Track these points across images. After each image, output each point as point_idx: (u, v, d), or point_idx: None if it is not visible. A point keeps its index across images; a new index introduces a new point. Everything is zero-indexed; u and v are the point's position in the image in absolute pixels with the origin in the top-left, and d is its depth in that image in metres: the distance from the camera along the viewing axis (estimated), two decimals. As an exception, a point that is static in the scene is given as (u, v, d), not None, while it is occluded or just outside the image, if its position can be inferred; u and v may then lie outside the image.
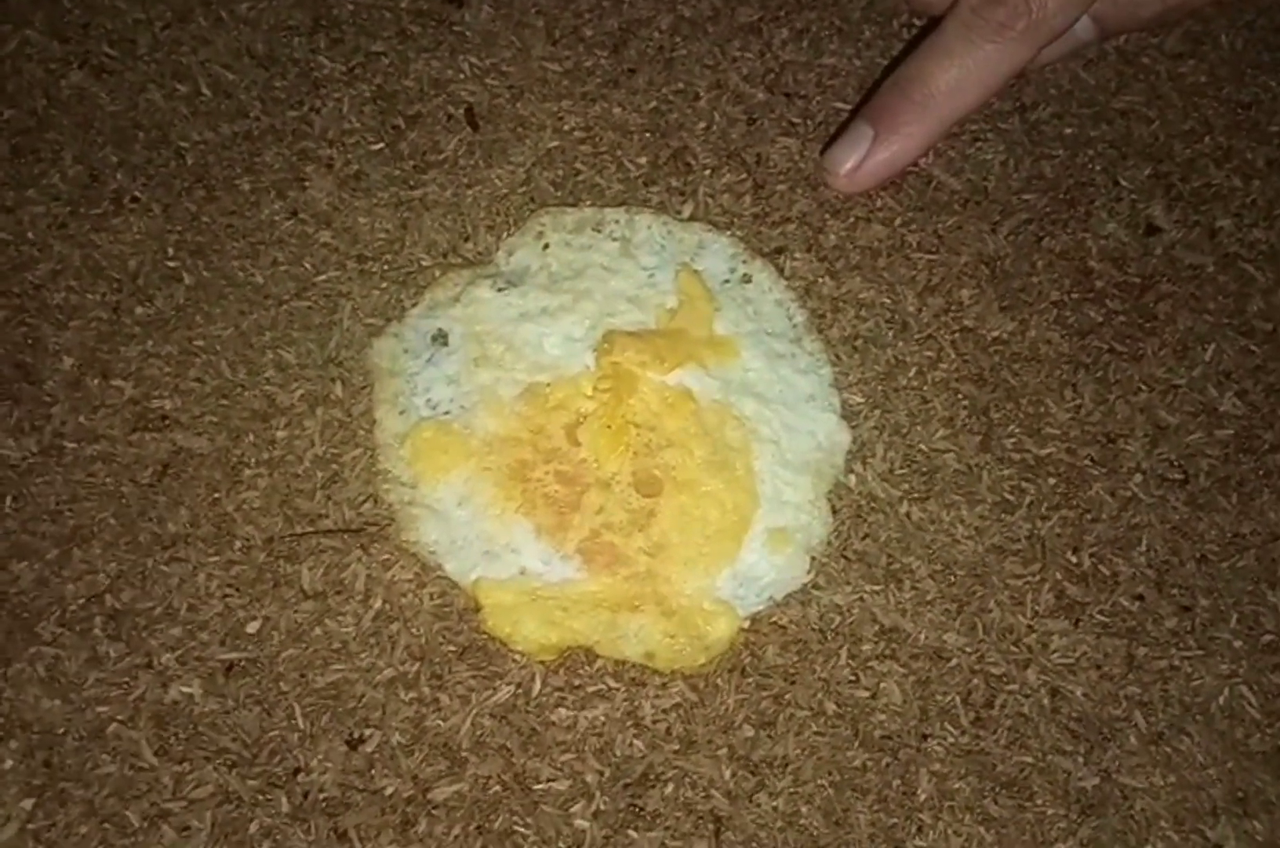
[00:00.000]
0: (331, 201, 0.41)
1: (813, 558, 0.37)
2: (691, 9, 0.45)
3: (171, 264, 0.40)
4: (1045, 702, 0.35)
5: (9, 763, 0.33)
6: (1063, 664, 0.36)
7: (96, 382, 0.38)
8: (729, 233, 0.41)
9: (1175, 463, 0.39)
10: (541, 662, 0.35)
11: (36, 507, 0.36)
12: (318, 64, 0.44)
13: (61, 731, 0.34)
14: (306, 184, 0.42)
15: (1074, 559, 0.37)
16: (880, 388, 0.39)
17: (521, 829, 0.33)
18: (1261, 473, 0.38)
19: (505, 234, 0.41)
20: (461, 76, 0.44)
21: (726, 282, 0.40)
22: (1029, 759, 0.35)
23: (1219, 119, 0.44)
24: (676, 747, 0.34)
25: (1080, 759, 0.35)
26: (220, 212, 0.41)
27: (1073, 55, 0.44)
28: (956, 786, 0.34)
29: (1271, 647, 0.36)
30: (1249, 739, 0.35)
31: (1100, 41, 0.44)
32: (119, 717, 0.34)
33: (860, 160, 0.40)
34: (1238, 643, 0.36)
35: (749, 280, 0.40)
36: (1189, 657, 0.36)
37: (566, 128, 0.43)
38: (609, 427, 0.37)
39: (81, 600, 0.35)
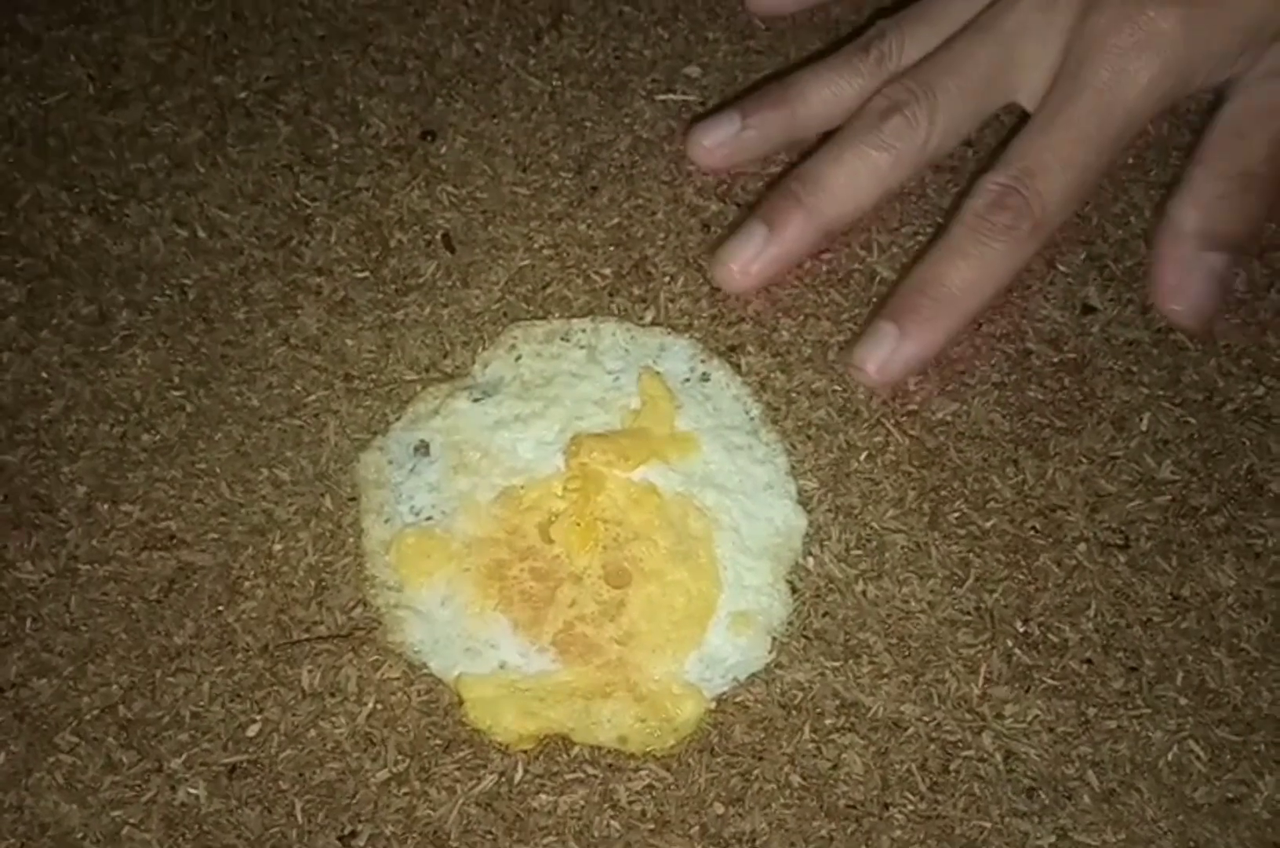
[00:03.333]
0: (321, 326, 0.45)
1: (774, 638, 0.39)
2: (649, 130, 0.49)
3: (175, 393, 0.43)
4: (1000, 765, 0.37)
5: (29, 867, 0.36)
6: (1016, 728, 0.38)
7: (107, 507, 0.41)
8: (688, 335, 0.44)
9: (1117, 530, 0.41)
10: (524, 750, 0.37)
11: (54, 625, 0.39)
12: (305, 201, 0.47)
13: (80, 835, 0.36)
14: (298, 311, 0.45)
15: (1022, 628, 0.39)
16: (833, 473, 0.42)
17: (510, 913, 0.35)
18: (1200, 535, 0.40)
19: (480, 348, 0.44)
20: (439, 205, 0.47)
21: (687, 380, 0.43)
22: (987, 823, 0.36)
23: (1146, 201, 0.47)
24: (651, 826, 0.36)
25: (1036, 820, 0.36)
26: (218, 342, 0.45)
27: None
28: (918, 851, 0.36)
29: (1216, 702, 0.38)
30: (1196, 793, 0.37)
31: (1241, 264, 0.44)
32: (132, 820, 0.36)
33: (889, 355, 0.42)
34: (1183, 700, 0.38)
35: (707, 378, 0.43)
36: (1137, 716, 0.38)
37: (536, 246, 0.46)
38: (579, 524, 0.40)
39: (96, 711, 0.38)
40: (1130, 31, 0.42)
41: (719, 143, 0.46)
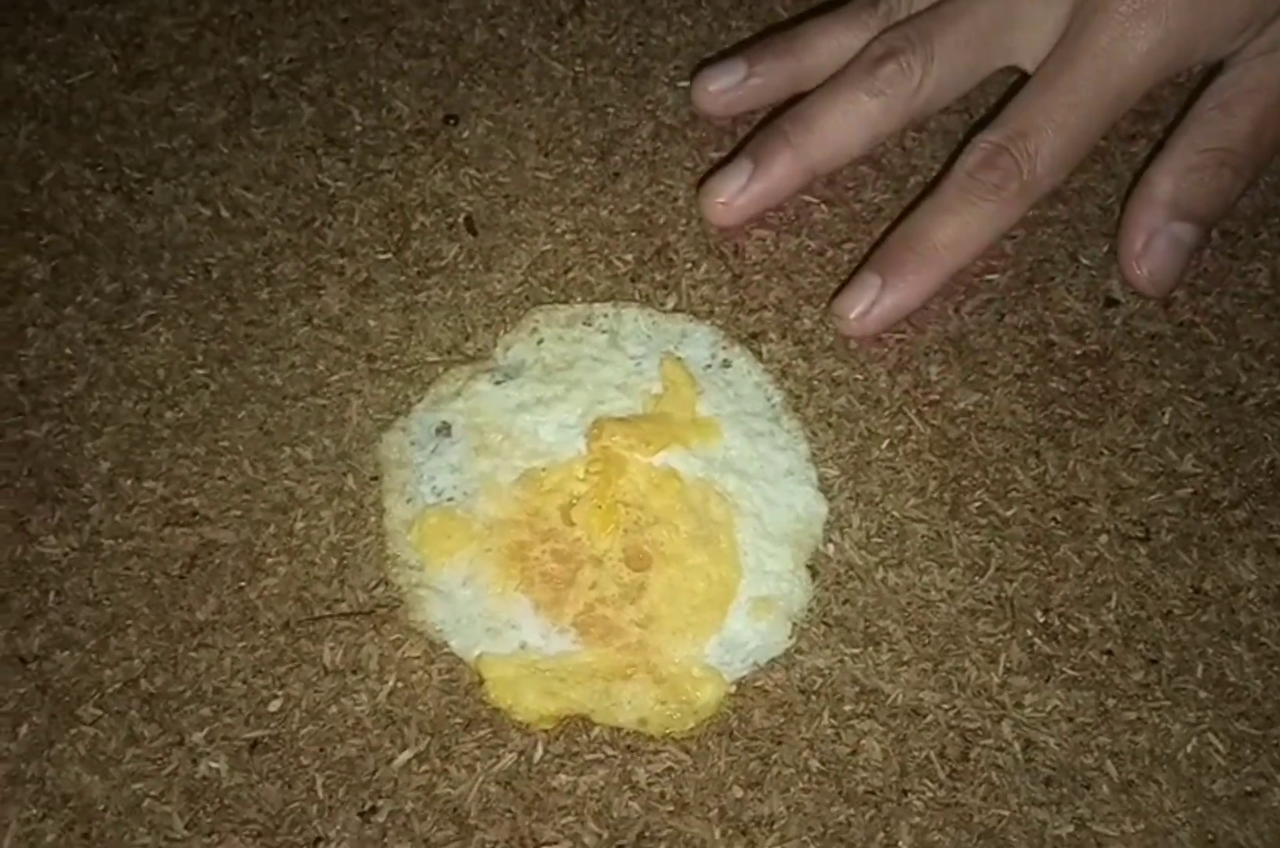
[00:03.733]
0: (343, 307, 0.45)
1: (794, 624, 0.39)
2: (671, 116, 0.49)
3: (199, 371, 0.44)
4: (1019, 754, 0.37)
5: (50, 837, 0.36)
6: (1035, 718, 0.38)
7: (130, 483, 0.41)
8: (709, 321, 0.44)
9: (1138, 522, 0.41)
10: (544, 730, 0.37)
11: (76, 599, 0.40)
12: (328, 182, 0.47)
13: (101, 807, 0.36)
14: (321, 292, 0.45)
15: (1042, 618, 0.39)
16: (854, 461, 0.42)
17: (527, 890, 0.36)
18: (1221, 529, 0.40)
19: (502, 331, 0.44)
20: (461, 189, 0.47)
21: (708, 367, 0.43)
22: (1005, 811, 0.36)
23: (1170, 195, 0.46)
24: (670, 808, 0.36)
25: (1054, 809, 0.36)
26: (242, 321, 0.45)
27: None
28: (936, 838, 0.36)
29: (1236, 696, 0.38)
30: (1215, 785, 0.37)
31: (1208, 238, 0.45)
32: (153, 792, 0.37)
33: (870, 306, 0.43)
34: (1203, 693, 0.38)
35: (729, 365, 0.43)
36: (1157, 708, 0.38)
37: (558, 231, 0.46)
38: (600, 507, 0.40)
39: (119, 685, 0.38)
40: None
41: (723, 89, 0.46)
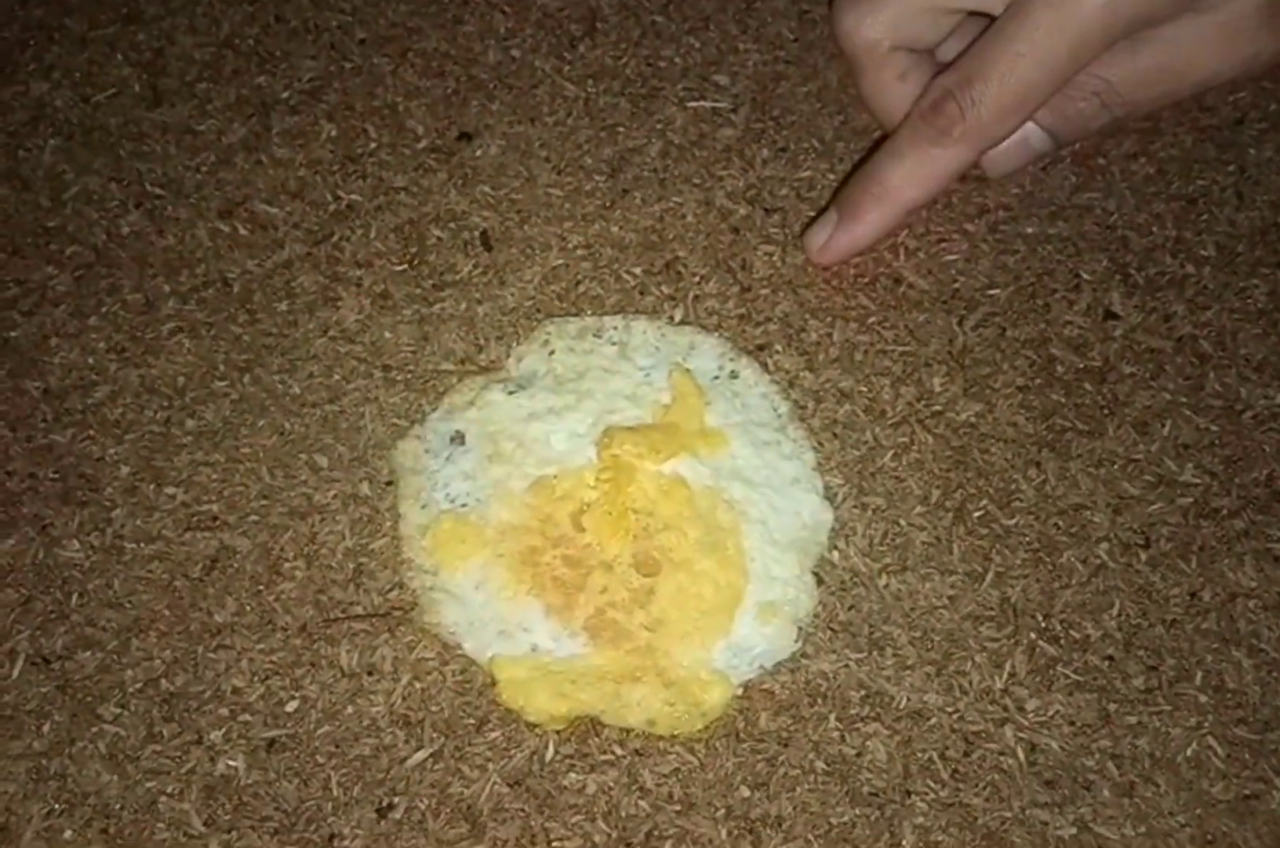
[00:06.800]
0: (360, 319, 0.46)
1: (800, 629, 0.40)
2: (680, 135, 0.50)
3: (219, 381, 0.45)
4: (1022, 757, 0.38)
5: (68, 833, 0.37)
6: (1038, 721, 0.38)
7: (151, 488, 0.42)
8: (717, 333, 0.45)
9: (1138, 530, 0.41)
10: (555, 731, 0.38)
11: (99, 601, 0.41)
12: (346, 197, 0.49)
13: (119, 805, 0.37)
14: (338, 304, 0.46)
15: (1045, 624, 0.40)
16: (859, 470, 0.43)
17: (538, 888, 0.36)
18: (1220, 538, 0.41)
19: (515, 343, 0.45)
20: (476, 205, 0.48)
21: (716, 378, 0.44)
22: (1008, 813, 0.37)
23: (1169, 212, 0.48)
24: (678, 808, 0.37)
25: (1056, 810, 0.37)
26: (261, 332, 0.46)
27: (1034, 163, 0.48)
28: (940, 838, 0.37)
29: (1235, 701, 0.39)
30: (1214, 788, 0.37)
31: (1057, 150, 0.48)
32: (171, 790, 0.37)
33: (828, 239, 0.46)
34: (1203, 698, 0.39)
35: (736, 376, 0.44)
36: (1157, 712, 0.39)
37: (570, 246, 0.47)
38: (610, 513, 0.40)
39: (139, 685, 0.39)
40: None
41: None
